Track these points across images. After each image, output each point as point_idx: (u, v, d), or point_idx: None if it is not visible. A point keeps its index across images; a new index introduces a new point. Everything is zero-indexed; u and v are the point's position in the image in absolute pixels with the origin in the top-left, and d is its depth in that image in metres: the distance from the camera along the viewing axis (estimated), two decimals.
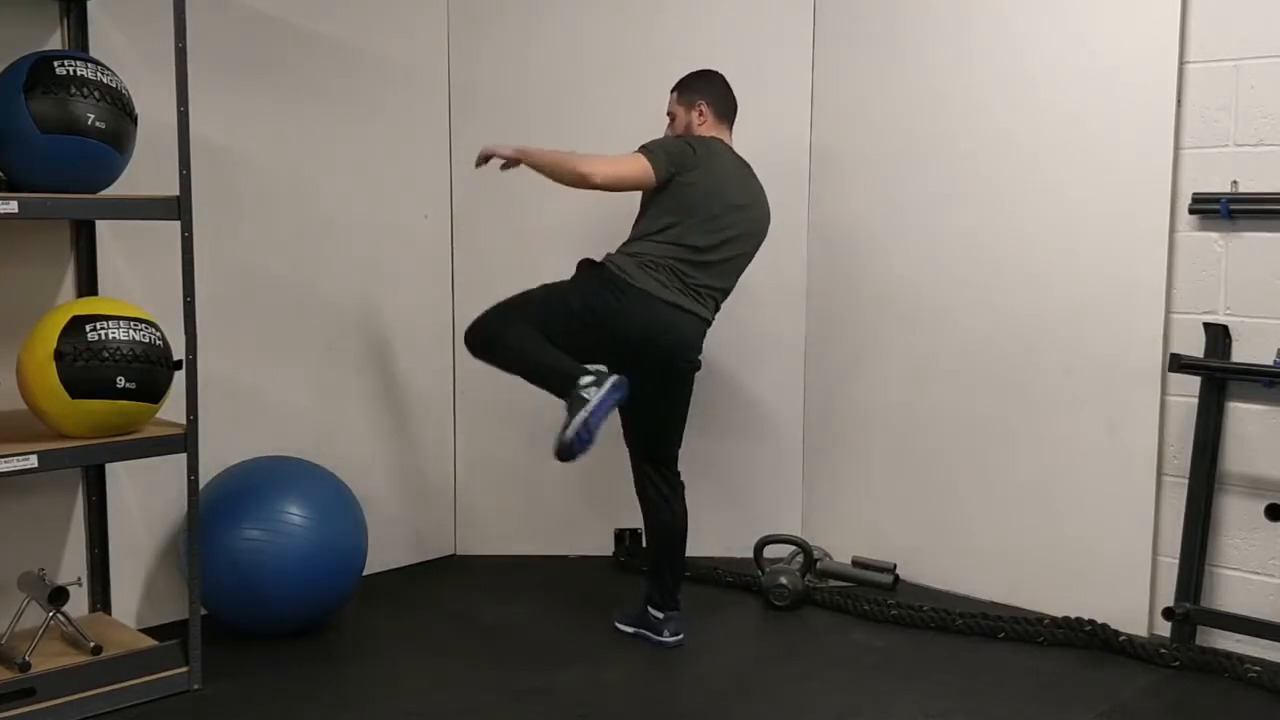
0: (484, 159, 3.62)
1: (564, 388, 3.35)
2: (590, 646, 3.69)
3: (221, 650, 3.48)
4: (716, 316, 3.64)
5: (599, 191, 3.46)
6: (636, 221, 3.61)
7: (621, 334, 3.49)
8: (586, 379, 3.33)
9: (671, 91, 3.74)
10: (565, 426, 3.31)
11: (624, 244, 3.58)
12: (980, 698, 3.33)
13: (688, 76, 3.73)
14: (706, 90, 3.69)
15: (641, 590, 3.77)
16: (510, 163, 3.58)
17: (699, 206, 3.50)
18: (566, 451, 3.32)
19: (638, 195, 3.60)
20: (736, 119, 3.73)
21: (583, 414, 3.28)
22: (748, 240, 3.63)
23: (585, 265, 3.57)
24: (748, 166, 3.69)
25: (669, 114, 3.73)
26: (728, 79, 3.74)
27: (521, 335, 3.48)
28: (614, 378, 3.34)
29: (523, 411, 4.58)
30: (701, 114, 3.67)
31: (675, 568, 3.70)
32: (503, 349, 3.53)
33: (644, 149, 3.50)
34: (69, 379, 3.02)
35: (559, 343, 3.47)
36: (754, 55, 4.47)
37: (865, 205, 4.36)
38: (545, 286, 3.57)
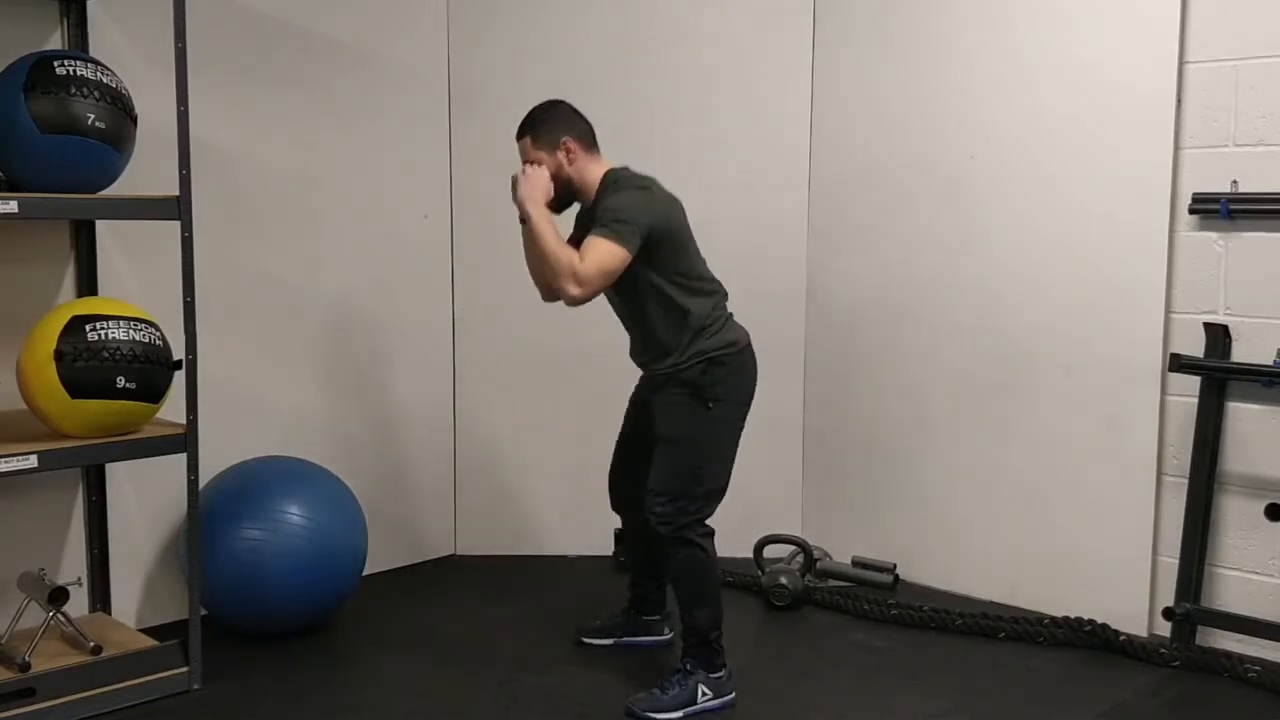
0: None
1: (717, 646, 3.25)
2: (590, 646, 3.69)
3: (221, 650, 3.47)
4: None
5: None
6: (660, 282, 3.24)
7: (754, 386, 3.36)
8: (722, 673, 3.26)
9: (520, 138, 3.32)
10: (668, 704, 3.19)
11: (680, 316, 3.25)
12: (980, 698, 3.33)
13: (535, 116, 3.33)
14: (568, 123, 3.31)
15: (627, 596, 3.74)
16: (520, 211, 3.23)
17: (688, 238, 3.30)
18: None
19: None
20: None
21: (692, 708, 3.20)
22: None
23: (701, 376, 3.24)
24: None
25: (529, 163, 3.28)
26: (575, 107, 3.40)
27: (718, 573, 3.30)
28: (733, 694, 3.28)
29: (522, 411, 4.60)
30: (570, 150, 3.27)
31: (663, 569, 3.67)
32: (709, 580, 3.27)
33: (613, 233, 3.09)
34: (69, 379, 3.02)
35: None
36: (754, 56, 4.48)
37: (865, 206, 4.36)
38: (708, 441, 3.26)
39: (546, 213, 3.20)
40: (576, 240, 3.30)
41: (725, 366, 3.27)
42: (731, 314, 3.38)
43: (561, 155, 3.28)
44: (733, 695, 3.27)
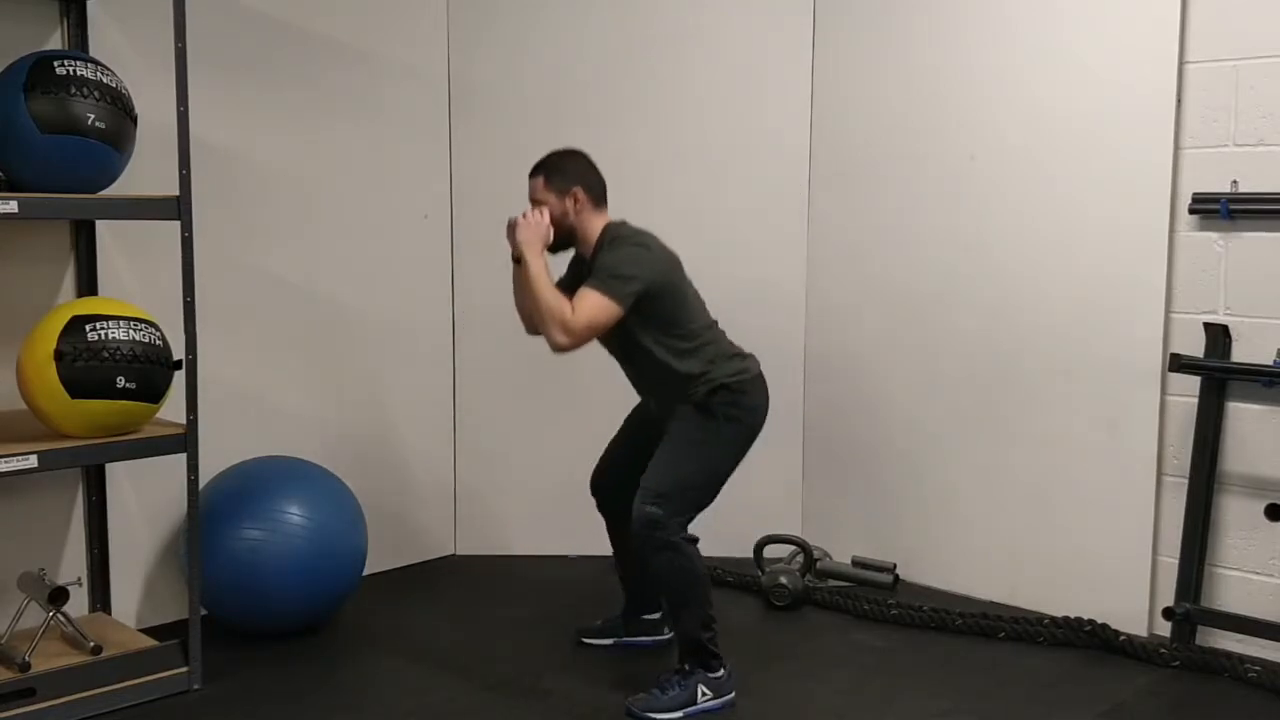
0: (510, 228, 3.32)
1: (712, 646, 3.24)
2: (590, 646, 3.69)
3: (221, 650, 3.48)
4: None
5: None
6: (660, 329, 3.28)
7: (764, 420, 3.40)
8: (721, 672, 3.25)
9: (533, 177, 3.35)
10: (668, 705, 3.18)
11: (688, 356, 3.29)
12: (980, 698, 3.33)
13: (551, 160, 3.35)
14: (581, 174, 3.34)
15: (625, 598, 3.75)
16: (514, 249, 3.28)
17: (687, 289, 3.36)
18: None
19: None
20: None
21: (692, 708, 3.20)
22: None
23: (710, 399, 3.27)
24: None
25: (535, 202, 3.32)
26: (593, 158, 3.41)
27: (702, 568, 3.26)
28: (733, 693, 3.27)
29: (522, 411, 4.60)
30: (577, 201, 3.30)
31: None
32: (692, 578, 3.23)
33: (607, 288, 3.15)
34: (69, 379, 3.02)
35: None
36: (754, 57, 4.47)
37: (865, 206, 4.36)
38: (706, 457, 3.28)
39: (543, 260, 3.24)
40: (566, 285, 3.35)
41: (735, 392, 3.31)
42: (738, 350, 3.41)
43: (569, 203, 3.31)
44: (732, 695, 3.27)
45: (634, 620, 3.71)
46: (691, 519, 3.28)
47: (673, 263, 3.35)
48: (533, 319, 3.29)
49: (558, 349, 3.19)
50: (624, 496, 3.34)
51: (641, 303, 3.22)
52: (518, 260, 3.26)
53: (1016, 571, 4.04)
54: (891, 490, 4.35)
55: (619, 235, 3.32)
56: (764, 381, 3.40)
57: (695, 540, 3.28)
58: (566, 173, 3.33)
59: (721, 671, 3.26)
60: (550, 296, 3.17)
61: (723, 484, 3.35)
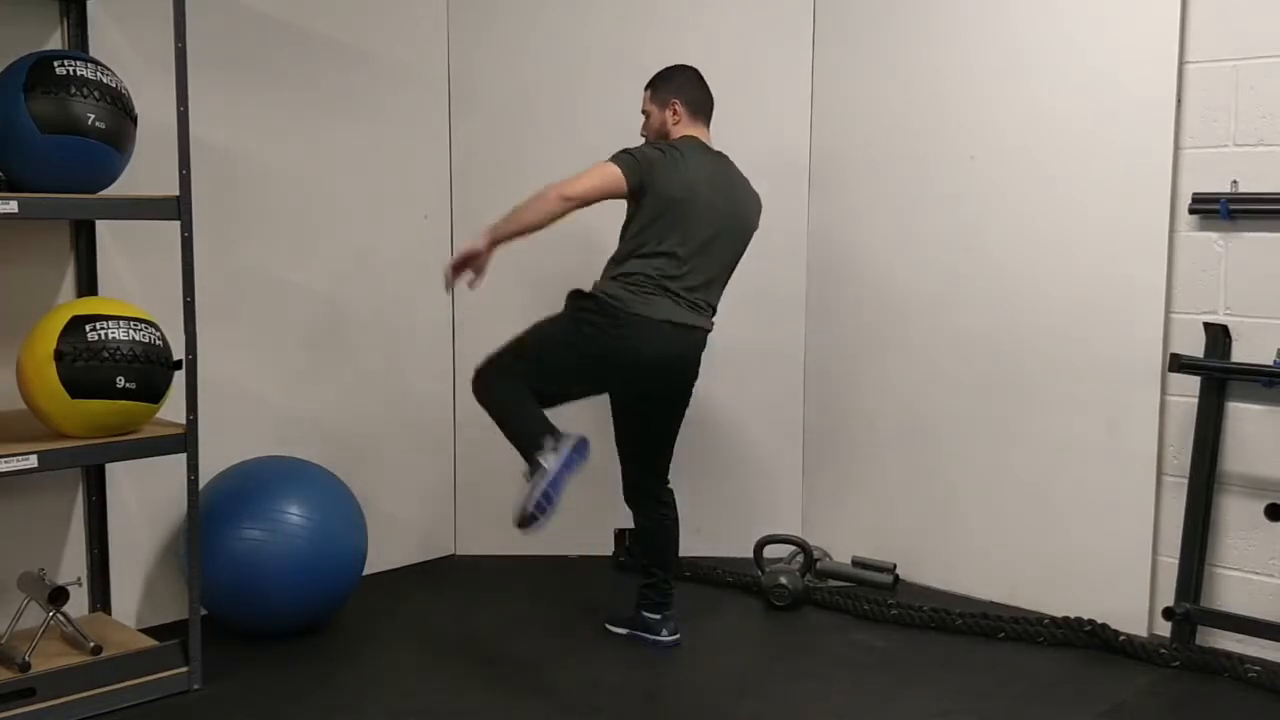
0: (456, 270, 3.50)
1: (527, 453, 3.29)
2: (590, 646, 3.69)
3: (221, 650, 3.47)
4: (718, 316, 3.63)
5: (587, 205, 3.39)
6: (621, 238, 3.51)
7: (629, 363, 3.42)
8: (547, 445, 3.26)
9: (645, 89, 3.64)
10: (526, 496, 3.21)
11: (611, 264, 3.49)
12: (980, 698, 3.33)
13: (661, 73, 3.63)
14: (680, 88, 3.59)
15: (636, 591, 3.77)
16: (483, 259, 3.46)
17: (676, 211, 3.40)
18: (527, 521, 3.19)
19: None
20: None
21: (542, 484, 3.20)
22: (733, 237, 3.54)
23: (575, 298, 3.46)
24: (726, 160, 3.60)
25: (643, 112, 3.64)
26: (703, 74, 3.64)
27: (507, 392, 3.43)
28: (572, 441, 3.26)
29: None
30: (675, 112, 3.57)
31: (670, 568, 3.71)
32: (491, 404, 3.47)
33: (614, 156, 3.42)
34: (69, 379, 3.02)
35: (564, 385, 3.46)
36: (754, 57, 4.47)
37: (865, 206, 4.36)
38: (540, 329, 3.47)
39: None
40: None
41: (595, 306, 3.38)
42: (670, 296, 3.42)
43: (668, 114, 3.58)
44: (574, 439, 3.27)
45: (638, 615, 3.72)
46: (509, 369, 3.44)
47: (685, 185, 3.41)
48: (543, 213, 3.37)
49: (567, 203, 3.34)
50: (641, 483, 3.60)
51: (639, 193, 3.39)
52: (494, 244, 3.44)
53: (1016, 571, 4.04)
54: (891, 490, 4.35)
55: (677, 144, 3.49)
56: (648, 326, 3.38)
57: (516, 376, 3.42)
58: (670, 85, 3.59)
59: (545, 450, 3.25)
60: (525, 202, 3.37)
61: (551, 375, 3.43)
